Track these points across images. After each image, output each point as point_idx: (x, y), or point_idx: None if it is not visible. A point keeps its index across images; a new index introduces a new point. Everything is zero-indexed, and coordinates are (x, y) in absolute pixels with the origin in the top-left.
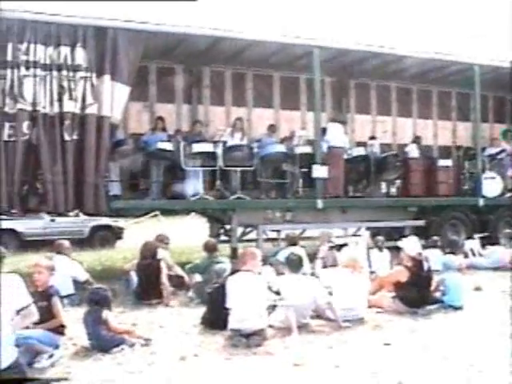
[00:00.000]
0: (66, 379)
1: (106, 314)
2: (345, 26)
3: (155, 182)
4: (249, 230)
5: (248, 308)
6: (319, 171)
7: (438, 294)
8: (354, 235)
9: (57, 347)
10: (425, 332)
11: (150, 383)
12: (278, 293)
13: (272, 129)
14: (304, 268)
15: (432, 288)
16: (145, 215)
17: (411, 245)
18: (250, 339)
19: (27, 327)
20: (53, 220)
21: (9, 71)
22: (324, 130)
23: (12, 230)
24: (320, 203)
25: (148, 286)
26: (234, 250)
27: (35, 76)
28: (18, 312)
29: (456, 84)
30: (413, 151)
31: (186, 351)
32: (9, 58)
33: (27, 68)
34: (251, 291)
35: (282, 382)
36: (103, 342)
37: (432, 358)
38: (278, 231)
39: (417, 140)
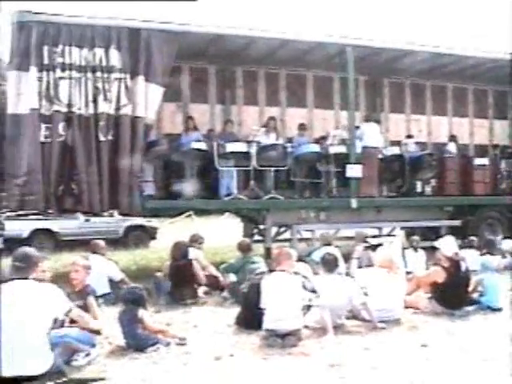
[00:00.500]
0: (102, 379)
1: (141, 313)
2: (378, 23)
3: (189, 181)
4: (283, 229)
5: (283, 308)
6: (353, 171)
7: (475, 295)
8: (389, 235)
9: (93, 346)
10: (463, 334)
11: (186, 383)
12: (313, 291)
13: (302, 128)
14: (339, 268)
15: (470, 289)
16: (179, 215)
17: (448, 245)
18: (285, 339)
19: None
20: (87, 220)
21: (45, 73)
22: (358, 129)
23: (48, 230)
24: (354, 203)
25: (181, 286)
26: (268, 250)
27: (70, 78)
28: (55, 320)
29: (493, 81)
30: (451, 150)
31: (221, 351)
32: (45, 60)
33: (63, 70)
34: (286, 291)
35: (317, 382)
36: (139, 341)
37: (471, 360)
38: (312, 231)
39: (452, 139)
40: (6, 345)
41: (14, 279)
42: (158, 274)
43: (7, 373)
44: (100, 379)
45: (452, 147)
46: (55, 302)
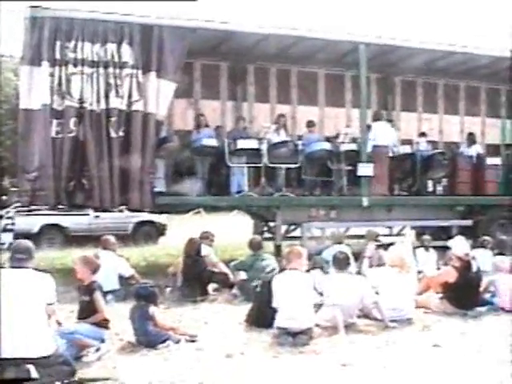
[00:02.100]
0: (107, 379)
1: (152, 309)
2: (391, 21)
3: (200, 178)
4: (293, 227)
5: (295, 307)
6: (365, 169)
7: (487, 296)
8: (399, 234)
9: (103, 341)
10: (476, 334)
11: (197, 380)
12: (321, 294)
13: (311, 124)
14: (350, 267)
15: (481, 289)
16: (188, 212)
17: (459, 245)
18: (296, 338)
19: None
20: (97, 216)
21: (57, 69)
22: (369, 128)
23: (58, 226)
24: (365, 201)
25: (192, 282)
26: (278, 248)
27: (82, 73)
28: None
29: (505, 80)
30: (477, 151)
31: (233, 349)
32: (57, 55)
33: (75, 65)
34: (298, 290)
35: (329, 381)
36: (150, 337)
37: (483, 361)
38: (322, 229)
39: (470, 137)
40: (6, 327)
41: (13, 267)
42: (170, 269)
43: (8, 354)
44: (105, 379)
45: (478, 148)
46: (44, 289)
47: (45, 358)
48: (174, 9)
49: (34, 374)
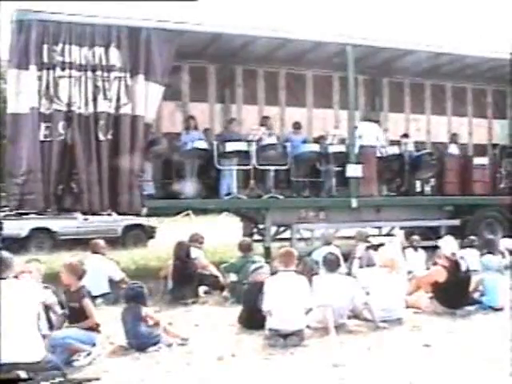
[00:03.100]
0: (97, 379)
1: (145, 310)
2: (377, 22)
3: (189, 181)
4: (282, 229)
5: (288, 308)
6: (353, 170)
7: (476, 295)
8: (388, 234)
9: (94, 345)
10: (464, 333)
11: (189, 383)
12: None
13: (297, 126)
14: (340, 268)
15: (470, 288)
16: (177, 214)
17: (448, 245)
18: (287, 339)
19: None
20: (86, 219)
21: (44, 72)
22: (356, 128)
23: (46, 229)
24: (354, 202)
25: (183, 285)
26: (268, 250)
27: (70, 76)
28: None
29: (492, 81)
30: (453, 151)
31: (224, 351)
32: (45, 59)
33: (62, 69)
34: (291, 291)
35: (320, 382)
36: (142, 339)
37: (473, 360)
38: (311, 230)
39: (453, 137)
40: None
41: None
42: (161, 273)
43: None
44: (95, 379)
45: (454, 148)
46: (33, 292)
47: (34, 363)
48: (161, 11)
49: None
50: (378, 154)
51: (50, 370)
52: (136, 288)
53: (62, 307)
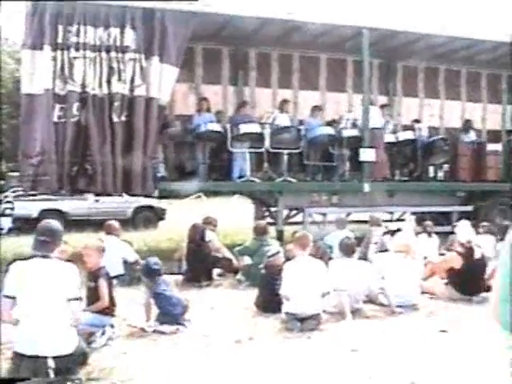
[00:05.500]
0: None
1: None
2: (392, 7)
3: (201, 163)
4: (294, 212)
5: (305, 293)
6: (367, 154)
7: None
8: (399, 220)
9: (112, 326)
10: (481, 320)
11: (207, 365)
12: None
13: (316, 110)
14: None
15: (486, 275)
16: (188, 196)
17: (464, 231)
18: (304, 323)
19: None
20: (97, 200)
21: (59, 53)
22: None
23: (57, 210)
24: (367, 187)
25: (197, 268)
26: (280, 233)
27: (85, 57)
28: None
29: (507, 66)
30: (471, 137)
31: (241, 334)
32: (59, 40)
33: (77, 49)
34: (308, 276)
35: (336, 366)
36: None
37: (490, 347)
38: (323, 214)
39: (468, 123)
40: (27, 324)
41: (35, 257)
42: (175, 255)
43: (30, 352)
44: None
45: (468, 134)
46: (70, 284)
47: (67, 356)
48: None
49: (51, 375)
50: (393, 139)
51: (78, 357)
52: (150, 263)
53: None
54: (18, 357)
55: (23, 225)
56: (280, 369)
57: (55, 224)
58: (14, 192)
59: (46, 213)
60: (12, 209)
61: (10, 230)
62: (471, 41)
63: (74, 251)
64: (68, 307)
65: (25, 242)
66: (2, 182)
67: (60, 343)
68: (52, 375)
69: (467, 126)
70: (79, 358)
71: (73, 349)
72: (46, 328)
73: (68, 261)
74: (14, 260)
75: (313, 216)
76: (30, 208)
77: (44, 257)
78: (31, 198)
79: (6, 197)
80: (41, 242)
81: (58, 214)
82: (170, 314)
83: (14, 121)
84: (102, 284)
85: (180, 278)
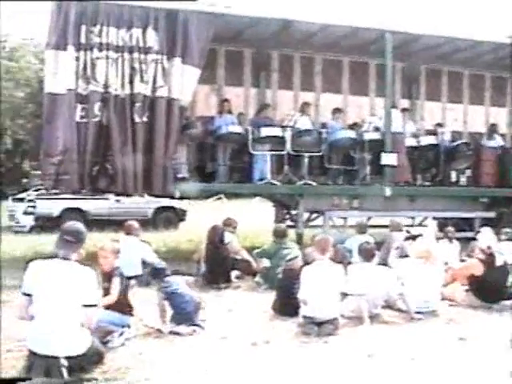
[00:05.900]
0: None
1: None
2: (416, 11)
3: (222, 165)
4: (315, 215)
5: (323, 297)
6: (388, 158)
7: None
8: (421, 225)
9: (129, 326)
10: (501, 328)
11: (222, 367)
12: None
13: (336, 112)
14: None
15: (508, 283)
16: (209, 198)
17: (486, 237)
18: (321, 327)
19: None
20: (118, 200)
21: (82, 53)
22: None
23: (78, 210)
24: (388, 191)
25: (215, 269)
26: (300, 236)
27: (107, 58)
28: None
29: None
30: (498, 143)
31: (257, 337)
32: (82, 40)
33: (100, 50)
34: (327, 280)
35: (353, 372)
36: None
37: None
38: (344, 218)
39: (492, 128)
40: (40, 322)
41: (55, 257)
42: (194, 256)
43: (42, 351)
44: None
45: (493, 139)
46: (87, 289)
47: (79, 356)
48: None
49: (65, 374)
50: (414, 144)
51: (92, 356)
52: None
53: None
54: (31, 355)
55: (45, 223)
56: (296, 373)
57: (80, 226)
58: (36, 190)
59: (67, 212)
60: (34, 207)
61: (32, 228)
62: (496, 45)
63: (89, 251)
64: (82, 312)
65: (46, 241)
66: (25, 180)
67: (72, 343)
68: (65, 374)
69: (492, 130)
70: (93, 358)
71: (85, 349)
72: (58, 328)
73: (85, 264)
74: (35, 258)
75: (333, 220)
76: (51, 207)
77: (64, 258)
78: (53, 197)
79: (28, 195)
80: (65, 242)
81: (79, 213)
82: (183, 312)
83: (38, 120)
84: (115, 282)
85: (198, 279)
